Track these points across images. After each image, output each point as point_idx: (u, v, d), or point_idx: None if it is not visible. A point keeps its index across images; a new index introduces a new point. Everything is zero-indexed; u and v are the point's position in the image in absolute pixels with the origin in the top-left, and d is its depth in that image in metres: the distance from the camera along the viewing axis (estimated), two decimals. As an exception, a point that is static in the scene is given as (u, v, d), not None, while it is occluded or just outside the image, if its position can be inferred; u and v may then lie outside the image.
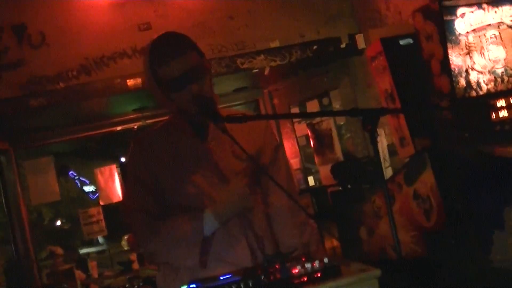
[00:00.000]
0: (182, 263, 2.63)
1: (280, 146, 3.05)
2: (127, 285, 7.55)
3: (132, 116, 6.78)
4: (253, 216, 2.73)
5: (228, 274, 2.17)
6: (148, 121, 6.76)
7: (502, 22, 4.02)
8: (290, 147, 7.14)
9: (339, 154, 6.63)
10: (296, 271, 2.01)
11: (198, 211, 2.61)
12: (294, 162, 7.08)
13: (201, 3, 5.79)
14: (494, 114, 3.90)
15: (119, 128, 6.90)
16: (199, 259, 2.59)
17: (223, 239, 2.64)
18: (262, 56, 5.85)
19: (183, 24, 5.44)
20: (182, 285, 2.18)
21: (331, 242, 5.97)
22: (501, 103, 3.92)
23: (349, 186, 5.35)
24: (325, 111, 7.05)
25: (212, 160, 2.71)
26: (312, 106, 6.81)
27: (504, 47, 4.01)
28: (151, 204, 2.68)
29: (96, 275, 8.35)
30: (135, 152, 2.80)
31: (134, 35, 5.52)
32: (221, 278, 2.14)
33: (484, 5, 3.99)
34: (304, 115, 7.54)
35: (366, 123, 2.23)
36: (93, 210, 8.30)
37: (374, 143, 2.24)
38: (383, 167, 5.55)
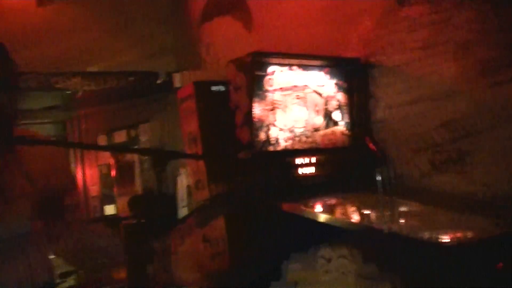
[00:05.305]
0: None
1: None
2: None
3: None
4: (29, 241, 2.66)
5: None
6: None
7: (307, 86, 4.23)
8: (91, 174, 7.04)
9: (138, 187, 6.63)
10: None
11: None
12: (93, 189, 6.98)
13: (26, 15, 5.65)
14: (291, 171, 4.06)
15: None
16: None
17: None
18: (78, 79, 5.76)
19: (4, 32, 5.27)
20: None
21: (118, 274, 5.93)
22: (298, 161, 4.10)
23: (142, 220, 5.35)
24: (114, 146, 7.03)
25: None
26: (120, 136, 6.78)
27: (307, 109, 4.21)
28: None
29: None
30: None
31: None
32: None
33: (295, 68, 4.17)
34: (91, 147, 7.44)
35: (155, 163, 2.28)
36: None
37: (160, 183, 2.30)
38: (180, 207, 5.61)
